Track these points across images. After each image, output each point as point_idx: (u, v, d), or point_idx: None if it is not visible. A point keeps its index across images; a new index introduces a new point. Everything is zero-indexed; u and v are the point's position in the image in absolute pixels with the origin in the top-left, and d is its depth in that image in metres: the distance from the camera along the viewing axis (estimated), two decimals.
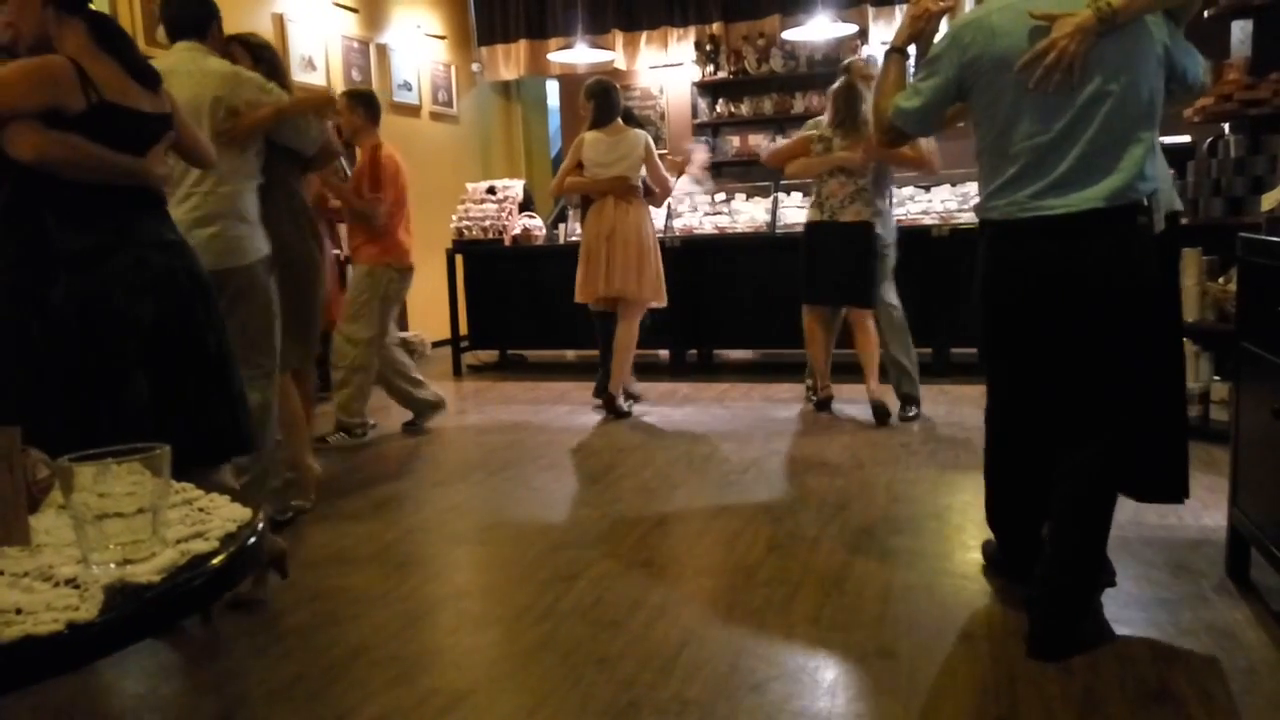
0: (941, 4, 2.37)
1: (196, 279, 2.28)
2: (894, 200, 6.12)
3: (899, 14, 7.44)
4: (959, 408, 4.78)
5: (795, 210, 6.34)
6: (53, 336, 2.06)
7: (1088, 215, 2.10)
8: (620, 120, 4.95)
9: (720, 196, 6.79)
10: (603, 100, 4.91)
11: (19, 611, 0.94)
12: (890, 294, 4.60)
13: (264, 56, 3.38)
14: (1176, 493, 2.51)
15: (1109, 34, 2.06)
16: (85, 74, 2.06)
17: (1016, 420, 2.39)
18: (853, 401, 4.92)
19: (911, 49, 2.46)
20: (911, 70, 2.44)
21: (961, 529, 3.02)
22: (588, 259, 4.94)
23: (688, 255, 6.06)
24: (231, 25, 6.00)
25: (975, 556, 2.74)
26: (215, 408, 2.27)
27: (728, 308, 6.10)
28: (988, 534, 2.64)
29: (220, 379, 2.30)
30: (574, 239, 6.55)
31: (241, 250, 2.89)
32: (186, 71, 2.84)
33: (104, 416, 2.05)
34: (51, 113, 2.02)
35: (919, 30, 2.39)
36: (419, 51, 8.03)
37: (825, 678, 2.10)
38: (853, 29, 7.23)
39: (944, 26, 2.37)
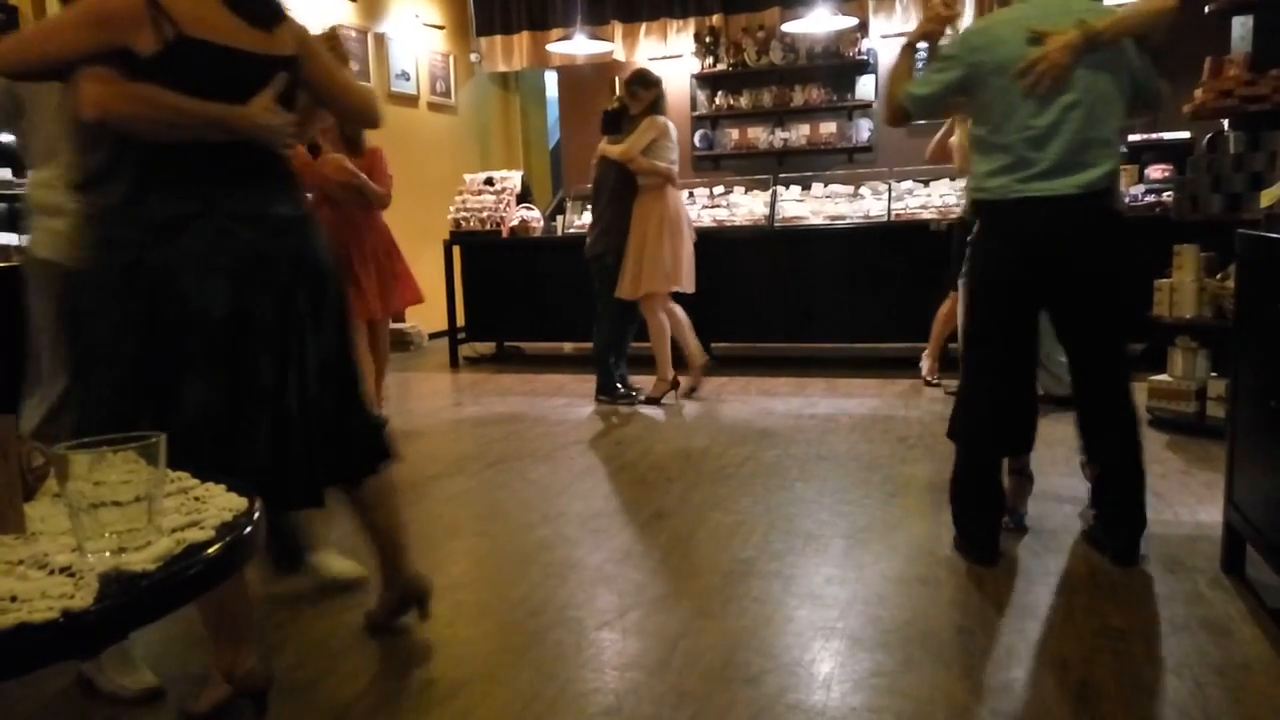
0: (953, 13, 2.77)
1: (302, 264, 1.91)
2: (893, 195, 6.13)
3: (899, 7, 7.43)
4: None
5: (794, 204, 6.34)
6: (124, 321, 1.80)
7: (1066, 198, 2.53)
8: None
9: (719, 189, 6.78)
10: (661, 87, 5.00)
11: (14, 599, 0.93)
12: None
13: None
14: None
15: (1091, 52, 2.48)
16: (159, 6, 1.74)
17: (1006, 386, 2.71)
18: (850, 396, 4.92)
19: (921, 45, 2.84)
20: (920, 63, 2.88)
21: None
22: (674, 246, 4.95)
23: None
24: None
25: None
26: (332, 418, 1.98)
27: (726, 301, 6.09)
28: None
29: (329, 385, 1.96)
30: (572, 231, 6.55)
31: None
32: None
33: (144, 422, 1.67)
34: (120, 56, 1.72)
35: (932, 32, 2.80)
36: (417, 41, 8.00)
37: (821, 671, 2.10)
38: (853, 21, 7.22)
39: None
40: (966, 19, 5.70)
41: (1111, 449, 2.69)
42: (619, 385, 5.19)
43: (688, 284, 5.06)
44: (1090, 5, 2.57)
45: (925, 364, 5.32)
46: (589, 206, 5.65)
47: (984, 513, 2.73)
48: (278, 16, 1.89)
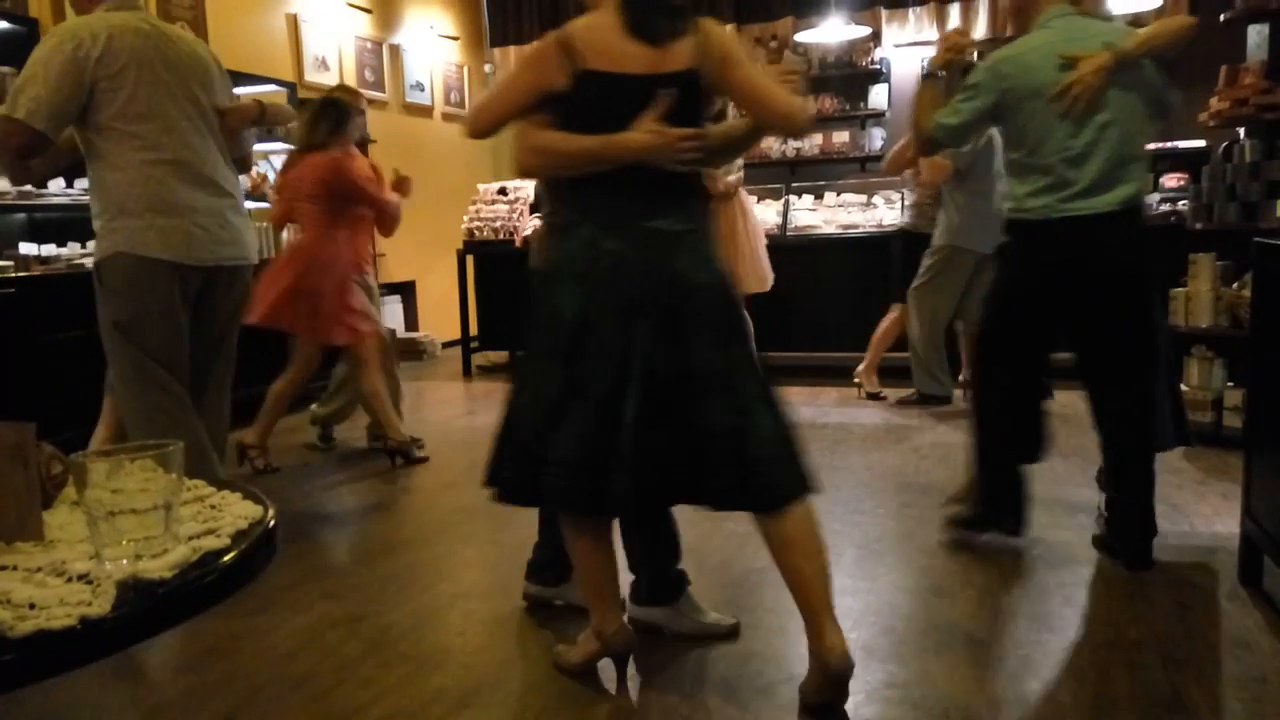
0: (969, 40, 2.87)
1: (670, 277, 1.92)
2: (906, 204, 6.11)
3: (912, 17, 7.43)
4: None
5: (806, 213, 6.34)
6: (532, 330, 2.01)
7: (1106, 216, 2.60)
8: None
9: None
10: None
11: (32, 606, 0.94)
12: None
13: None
14: (1185, 437, 2.86)
15: (1119, 72, 2.54)
16: (567, 43, 1.87)
17: (1022, 381, 2.80)
18: (863, 406, 4.89)
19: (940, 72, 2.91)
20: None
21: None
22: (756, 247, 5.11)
23: None
24: (245, 27, 6.09)
25: (988, 559, 2.73)
26: (699, 432, 1.92)
27: None
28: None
29: (694, 398, 1.91)
30: None
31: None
32: None
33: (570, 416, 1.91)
34: (549, 99, 1.89)
35: (951, 60, 2.87)
36: (432, 52, 8.05)
37: None
38: (866, 31, 7.22)
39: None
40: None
41: (1125, 442, 2.73)
42: None
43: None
44: (1110, 27, 2.67)
45: (867, 378, 5.23)
46: None
47: (1004, 487, 2.83)
48: (678, 32, 1.90)
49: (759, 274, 5.13)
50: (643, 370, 1.89)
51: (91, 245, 2.84)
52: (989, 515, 2.86)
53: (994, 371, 2.85)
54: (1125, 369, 2.69)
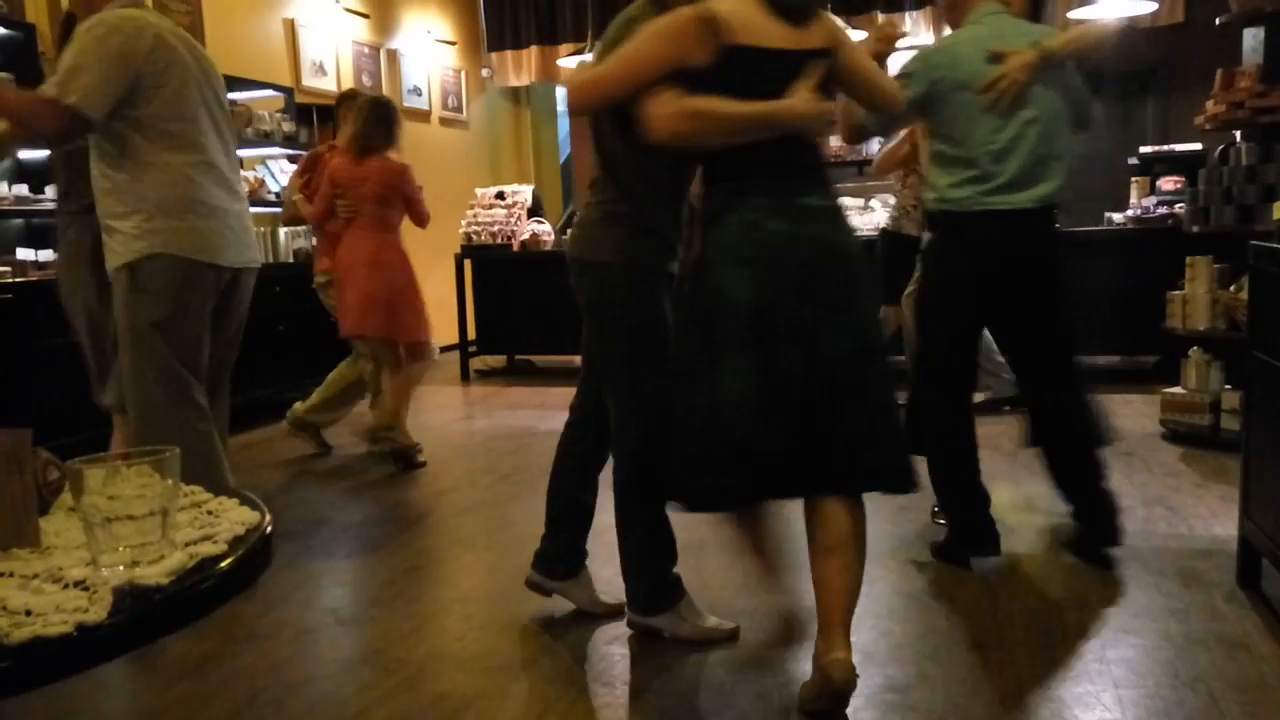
0: (901, 32, 2.83)
1: (827, 251, 1.95)
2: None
3: (908, 20, 7.45)
4: None
5: None
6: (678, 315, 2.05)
7: (1024, 212, 2.66)
8: None
9: None
10: None
11: (28, 613, 0.94)
12: None
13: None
14: (1108, 437, 2.87)
15: (1043, 71, 2.60)
16: (715, 19, 1.88)
17: (954, 382, 2.84)
18: None
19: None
20: None
21: None
22: None
23: None
24: (243, 31, 6.09)
25: (985, 563, 2.73)
26: (874, 408, 1.95)
27: None
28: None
29: (862, 373, 1.93)
30: None
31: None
32: None
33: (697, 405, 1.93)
34: (678, 73, 1.89)
35: (881, 51, 2.76)
36: (429, 57, 8.06)
37: None
38: (862, 35, 7.22)
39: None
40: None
41: (1062, 429, 2.77)
42: None
43: None
44: (1039, 28, 2.74)
45: None
46: None
47: (972, 509, 2.82)
48: (811, 12, 1.98)
49: None
50: (830, 349, 1.91)
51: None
52: (965, 544, 2.79)
53: (937, 399, 2.85)
54: (1060, 366, 2.75)
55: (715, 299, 1.94)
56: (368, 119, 4.15)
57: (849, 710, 1.96)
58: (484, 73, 8.79)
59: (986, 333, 2.99)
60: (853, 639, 2.23)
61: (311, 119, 6.20)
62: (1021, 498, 3.31)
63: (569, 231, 2.42)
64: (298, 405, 4.53)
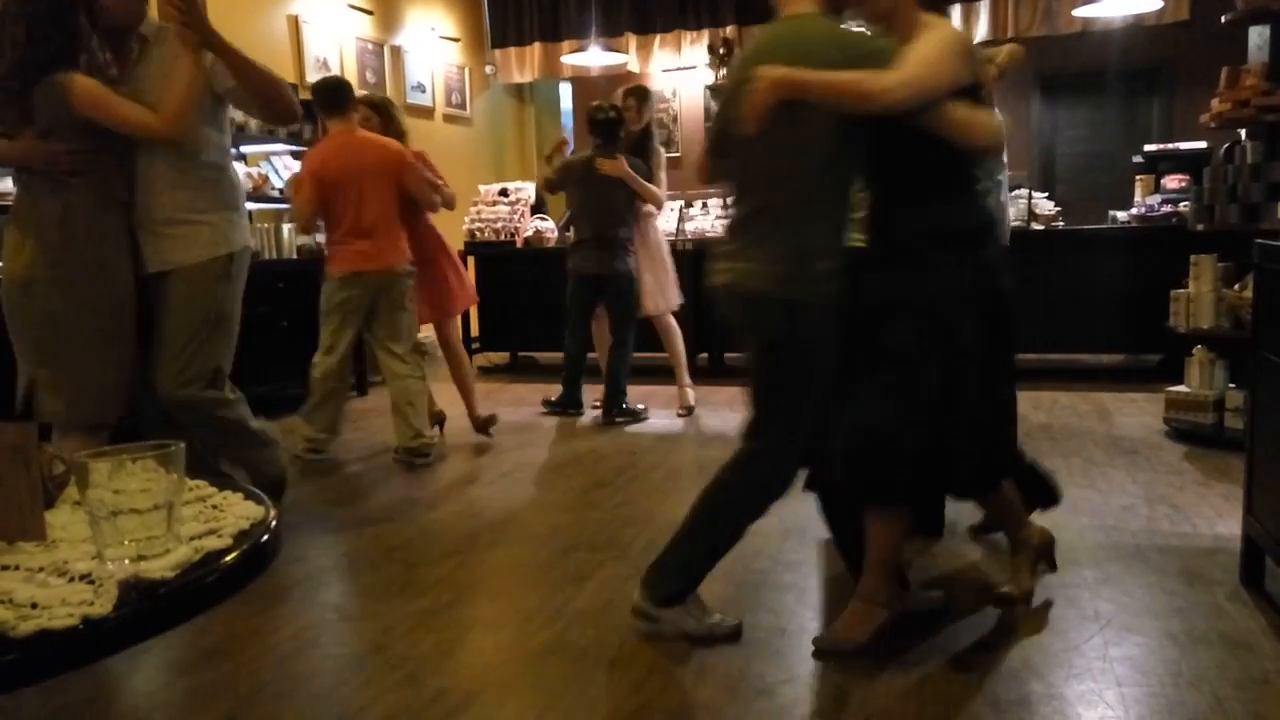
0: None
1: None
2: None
3: None
4: None
5: None
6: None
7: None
8: None
9: (731, 199, 6.79)
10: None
11: (34, 606, 0.94)
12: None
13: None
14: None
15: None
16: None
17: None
18: None
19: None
20: None
21: (980, 543, 3.00)
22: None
23: (699, 259, 6.05)
24: (247, 27, 6.08)
25: (988, 558, 2.72)
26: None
27: None
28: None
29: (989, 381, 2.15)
30: None
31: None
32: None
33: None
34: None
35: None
36: (433, 54, 8.06)
37: (834, 682, 2.09)
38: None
39: None
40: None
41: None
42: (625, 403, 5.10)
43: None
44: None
45: None
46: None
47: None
48: None
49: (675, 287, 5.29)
50: (1004, 339, 2.15)
51: None
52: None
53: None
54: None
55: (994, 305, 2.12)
56: (388, 115, 4.53)
57: (852, 705, 1.96)
58: (488, 69, 8.79)
59: None
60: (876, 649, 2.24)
61: (315, 115, 6.18)
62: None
63: (724, 264, 2.38)
64: (304, 427, 4.21)
